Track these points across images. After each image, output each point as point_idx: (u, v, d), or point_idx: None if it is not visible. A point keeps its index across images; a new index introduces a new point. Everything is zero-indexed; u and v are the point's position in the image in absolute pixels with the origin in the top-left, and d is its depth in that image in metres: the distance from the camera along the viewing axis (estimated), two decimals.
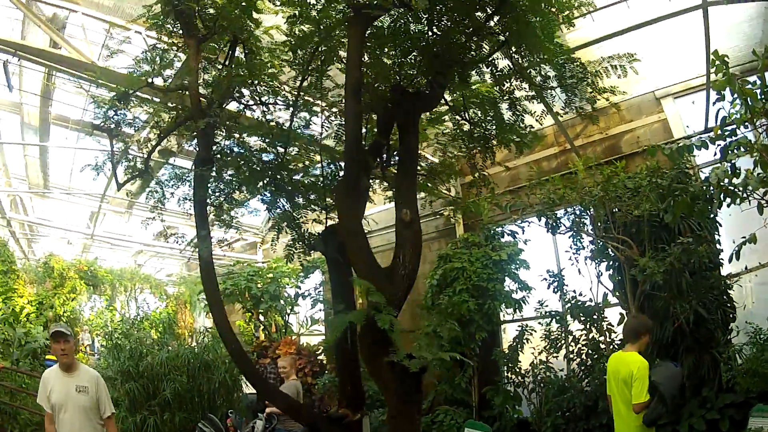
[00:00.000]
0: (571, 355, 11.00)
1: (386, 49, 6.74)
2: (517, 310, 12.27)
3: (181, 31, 6.86)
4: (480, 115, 7.88)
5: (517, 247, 12.43)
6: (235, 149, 7.65)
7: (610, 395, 6.52)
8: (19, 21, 10.31)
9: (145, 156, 7.64)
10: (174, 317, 23.00)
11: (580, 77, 7.43)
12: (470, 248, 12.58)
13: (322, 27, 6.45)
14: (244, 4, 6.13)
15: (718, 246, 9.68)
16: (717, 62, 5.92)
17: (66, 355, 6.30)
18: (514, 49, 6.89)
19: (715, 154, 6.27)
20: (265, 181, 7.41)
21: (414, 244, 6.32)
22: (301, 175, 8.12)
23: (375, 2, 5.54)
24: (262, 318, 18.06)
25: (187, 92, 7.07)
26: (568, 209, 10.98)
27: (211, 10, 6.58)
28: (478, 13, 6.38)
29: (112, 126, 7.22)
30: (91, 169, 7.55)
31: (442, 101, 7.46)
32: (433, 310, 12.55)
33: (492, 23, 6.58)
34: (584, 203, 10.44)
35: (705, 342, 9.01)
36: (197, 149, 7.34)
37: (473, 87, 7.38)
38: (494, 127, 7.84)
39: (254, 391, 11.78)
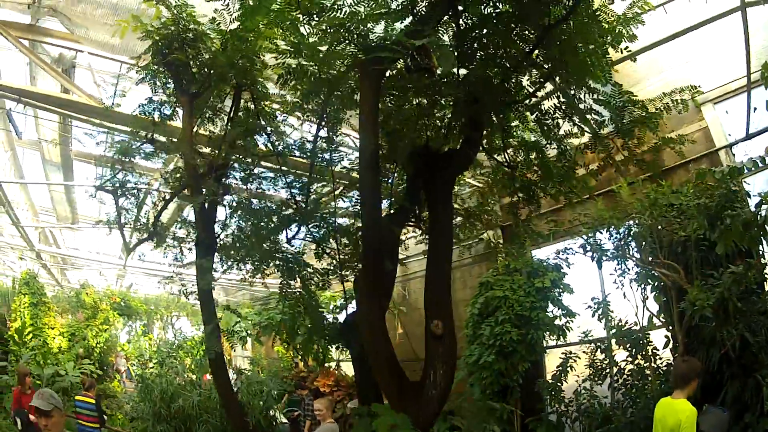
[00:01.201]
0: (616, 384, 10.59)
1: (409, 95, 6.13)
2: (561, 337, 11.84)
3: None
4: (522, 160, 7.31)
5: (561, 272, 12.01)
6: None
7: None
8: (28, 64, 10.15)
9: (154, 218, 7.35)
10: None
11: (640, 120, 6.77)
12: (512, 274, 12.17)
13: (331, 72, 5.85)
14: (244, 47, 5.71)
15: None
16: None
17: None
18: (559, 81, 6.30)
19: None
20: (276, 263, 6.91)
21: (446, 361, 5.59)
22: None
23: (385, 53, 4.93)
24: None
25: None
26: (612, 232, 10.36)
27: (206, 55, 6.17)
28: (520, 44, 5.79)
29: (117, 186, 6.92)
30: (102, 226, 7.35)
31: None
32: (475, 341, 12.17)
33: (534, 54, 5.96)
34: (629, 226, 10.06)
35: (749, 366, 8.58)
36: (197, 229, 6.98)
37: (514, 130, 6.84)
38: (539, 174, 7.28)
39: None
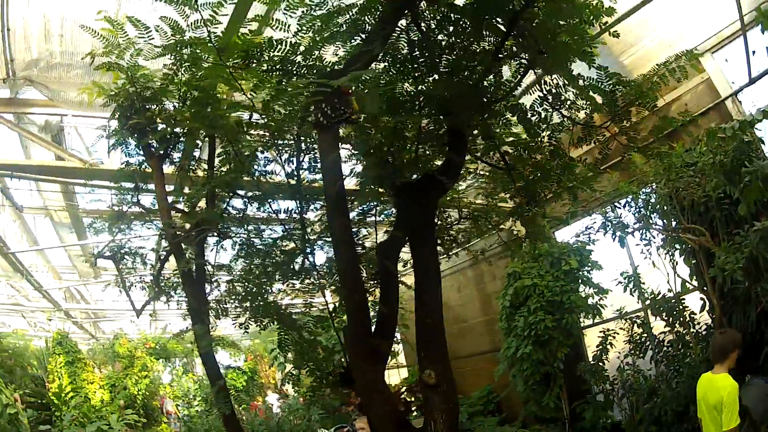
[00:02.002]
0: (658, 357, 10.28)
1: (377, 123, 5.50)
2: (597, 316, 11.59)
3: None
4: (516, 158, 6.71)
5: (586, 250, 11.73)
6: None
7: (701, 418, 6.11)
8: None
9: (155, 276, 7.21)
10: (255, 371, 22.73)
11: (634, 101, 6.34)
12: (538, 261, 11.92)
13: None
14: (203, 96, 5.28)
15: None
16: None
17: None
18: (540, 71, 5.78)
19: None
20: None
21: (445, 410, 4.99)
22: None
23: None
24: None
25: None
26: (631, 204, 10.05)
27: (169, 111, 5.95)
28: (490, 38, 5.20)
29: (115, 251, 6.77)
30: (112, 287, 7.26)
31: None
32: (510, 333, 11.97)
33: (508, 44, 5.35)
34: (647, 194, 9.81)
35: None
36: (186, 295, 6.81)
37: (500, 129, 6.25)
38: (538, 176, 6.74)
39: None
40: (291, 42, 4.76)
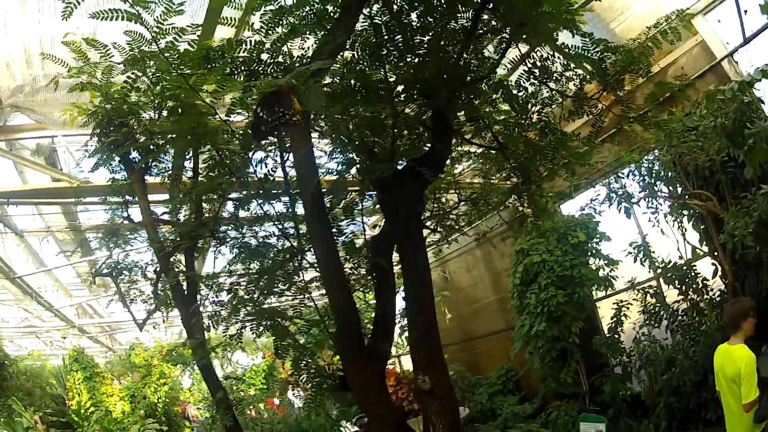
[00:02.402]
0: (673, 326, 10.10)
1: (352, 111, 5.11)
2: (609, 288, 11.36)
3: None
4: (506, 137, 6.27)
5: (594, 221, 11.49)
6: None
7: (719, 390, 5.94)
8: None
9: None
10: (273, 368, 22.55)
11: (626, 68, 5.95)
12: (545, 236, 11.64)
13: None
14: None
15: None
16: None
17: None
18: (524, 44, 5.34)
19: None
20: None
21: (443, 414, 4.64)
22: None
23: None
24: None
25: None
26: (635, 172, 9.86)
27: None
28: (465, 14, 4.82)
29: (112, 267, 6.61)
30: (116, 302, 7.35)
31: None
32: (523, 311, 11.80)
33: (486, 20, 5.03)
34: (650, 161, 9.65)
35: None
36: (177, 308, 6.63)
37: (485, 108, 5.77)
38: (531, 154, 6.36)
39: None
40: (254, 41, 4.52)
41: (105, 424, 16.57)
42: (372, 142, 5.19)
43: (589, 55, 5.55)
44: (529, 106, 5.87)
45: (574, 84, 6.08)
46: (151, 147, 5.82)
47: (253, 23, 4.67)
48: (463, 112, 5.53)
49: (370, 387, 4.80)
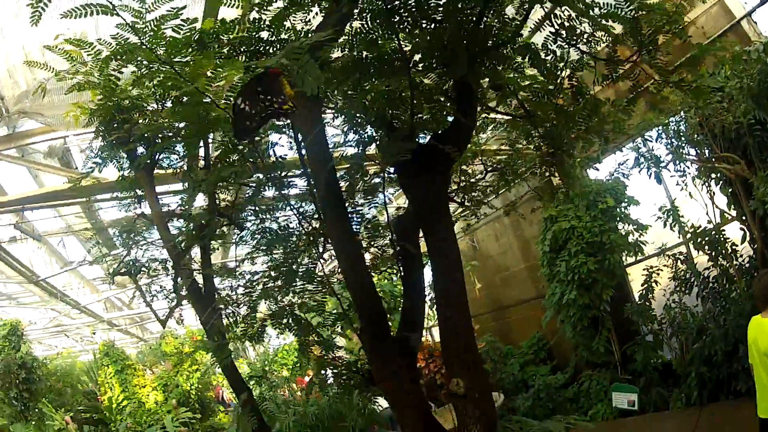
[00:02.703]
0: (704, 293, 9.78)
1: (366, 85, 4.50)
2: (639, 253, 11.09)
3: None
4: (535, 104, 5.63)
5: (622, 185, 11.21)
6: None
7: (752, 363, 5.58)
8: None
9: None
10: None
11: (661, 27, 5.41)
12: (573, 202, 11.39)
13: None
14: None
15: None
16: None
17: None
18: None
19: None
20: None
21: (480, 419, 4.10)
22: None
23: None
24: None
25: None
26: (662, 135, 9.53)
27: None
28: None
29: (131, 265, 6.34)
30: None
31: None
32: (553, 279, 11.55)
33: None
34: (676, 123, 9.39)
35: None
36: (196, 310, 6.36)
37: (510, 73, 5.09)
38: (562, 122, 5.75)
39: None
40: (251, 18, 4.06)
41: (138, 416, 16.44)
42: (390, 118, 4.68)
43: (621, 13, 5.05)
44: (558, 71, 5.32)
45: (608, 46, 5.56)
46: (157, 139, 5.50)
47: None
48: (486, 80, 5.02)
49: (398, 383, 4.35)
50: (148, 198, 6.06)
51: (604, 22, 4.81)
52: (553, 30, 4.95)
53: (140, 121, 5.42)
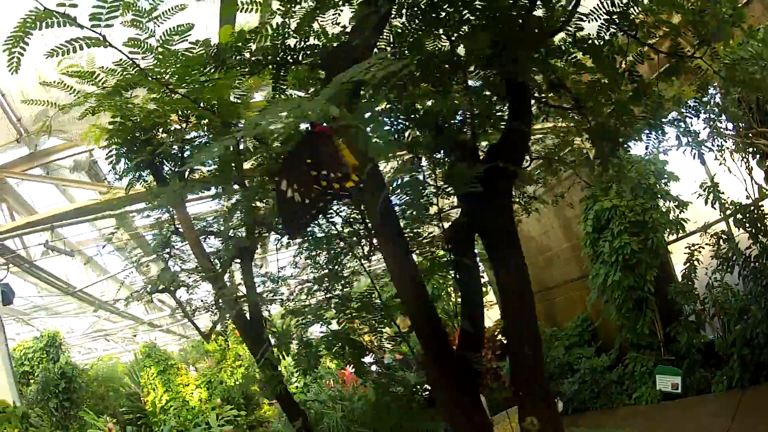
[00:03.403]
0: (745, 272, 9.39)
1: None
2: (680, 231, 10.72)
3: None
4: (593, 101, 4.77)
5: (661, 161, 10.82)
6: None
7: None
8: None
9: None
10: (353, 330, 21.98)
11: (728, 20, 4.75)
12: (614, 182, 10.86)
13: None
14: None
15: None
16: None
17: None
18: None
19: None
20: None
21: None
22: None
23: None
24: None
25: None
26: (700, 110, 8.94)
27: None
28: None
29: (169, 280, 5.88)
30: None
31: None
32: (597, 260, 11.31)
33: None
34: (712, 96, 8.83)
35: None
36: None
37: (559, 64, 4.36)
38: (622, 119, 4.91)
39: None
40: (276, 24, 3.38)
41: (182, 414, 16.14)
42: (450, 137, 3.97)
43: (687, 7, 4.39)
44: (618, 63, 4.62)
45: (670, 38, 4.91)
46: (184, 155, 5.02)
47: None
48: (540, 77, 4.36)
49: (460, 407, 3.78)
50: (182, 224, 5.61)
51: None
52: (606, 17, 4.27)
53: (164, 137, 4.93)
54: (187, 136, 4.88)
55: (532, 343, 3.69)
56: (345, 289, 5.00)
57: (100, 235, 12.34)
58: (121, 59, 3.26)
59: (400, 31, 3.40)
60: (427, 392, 4.65)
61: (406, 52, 3.49)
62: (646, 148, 6.37)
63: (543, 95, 4.68)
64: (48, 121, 5.01)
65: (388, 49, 3.46)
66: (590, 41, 4.04)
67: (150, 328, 19.06)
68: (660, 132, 5.56)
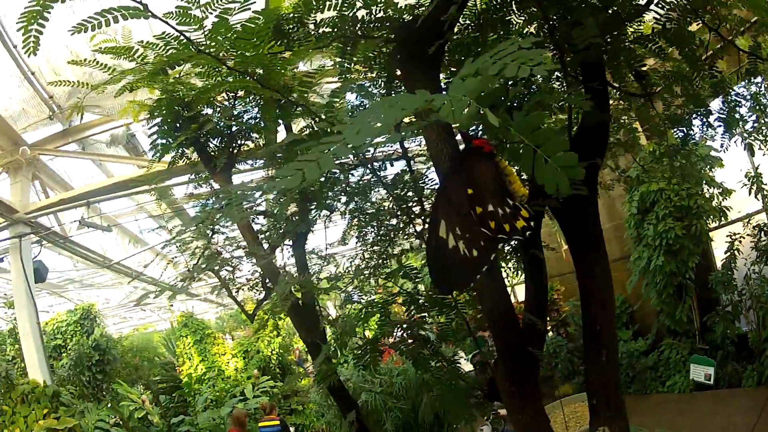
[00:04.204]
0: None
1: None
2: (722, 218, 10.34)
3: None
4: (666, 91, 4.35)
5: (706, 145, 9.93)
6: None
7: None
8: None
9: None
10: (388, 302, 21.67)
11: None
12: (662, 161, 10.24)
13: None
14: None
15: None
16: None
17: None
18: None
19: None
20: None
21: None
22: None
23: None
24: None
25: None
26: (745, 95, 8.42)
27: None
28: None
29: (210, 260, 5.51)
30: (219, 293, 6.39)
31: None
32: (640, 242, 11.06)
33: None
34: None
35: None
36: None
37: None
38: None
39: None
40: None
41: (218, 385, 15.91)
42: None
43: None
44: (700, 56, 4.10)
45: (752, 36, 4.41)
46: (231, 132, 4.63)
47: None
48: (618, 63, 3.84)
49: (524, 394, 3.41)
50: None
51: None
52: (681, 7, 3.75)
53: (209, 113, 4.52)
54: (234, 112, 4.46)
55: (610, 353, 3.31)
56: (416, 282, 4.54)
57: (137, 206, 12.10)
58: (164, 32, 2.81)
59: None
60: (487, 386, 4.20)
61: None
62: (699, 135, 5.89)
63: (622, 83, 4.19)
64: (80, 103, 4.64)
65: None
66: (677, 30, 3.54)
67: (188, 297, 18.88)
68: (729, 124, 5.05)
